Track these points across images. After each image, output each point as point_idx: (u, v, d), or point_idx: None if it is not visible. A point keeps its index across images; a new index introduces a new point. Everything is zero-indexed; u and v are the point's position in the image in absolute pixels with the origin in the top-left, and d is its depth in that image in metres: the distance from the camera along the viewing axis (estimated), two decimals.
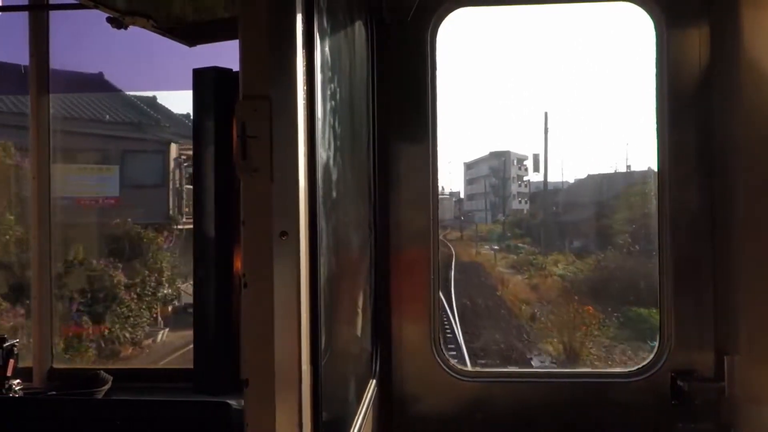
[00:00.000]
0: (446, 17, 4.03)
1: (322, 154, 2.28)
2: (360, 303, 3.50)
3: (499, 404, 3.94)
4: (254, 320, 1.99)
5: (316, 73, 2.16)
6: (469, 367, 4.16)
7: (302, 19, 2.08)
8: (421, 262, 3.97)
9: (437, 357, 3.95)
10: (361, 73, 3.62)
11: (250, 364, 1.99)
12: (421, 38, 3.97)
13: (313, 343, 2.08)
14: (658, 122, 3.94)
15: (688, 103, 3.86)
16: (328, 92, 2.51)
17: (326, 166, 2.43)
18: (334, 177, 2.63)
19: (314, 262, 2.11)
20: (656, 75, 3.93)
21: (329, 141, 2.52)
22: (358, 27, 3.49)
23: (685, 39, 3.85)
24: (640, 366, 3.96)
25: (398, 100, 3.96)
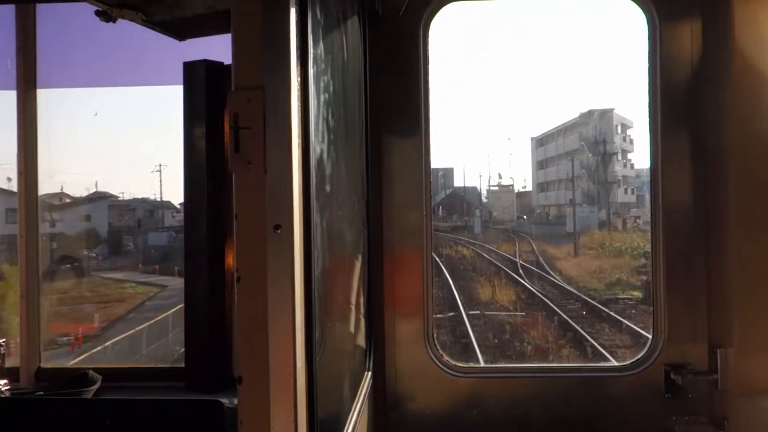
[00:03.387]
0: (439, 11, 4.01)
1: (315, 147, 2.25)
2: (354, 298, 3.46)
3: (494, 399, 3.93)
4: (248, 316, 1.95)
5: (310, 64, 2.13)
6: (463, 363, 4.13)
7: (296, 11, 2.05)
8: (415, 258, 3.95)
9: (431, 353, 3.94)
10: (355, 67, 3.58)
11: (244, 361, 1.95)
12: (413, 32, 3.94)
13: (307, 338, 2.04)
14: (650, 118, 3.93)
15: (680, 99, 3.85)
16: (322, 84, 2.47)
17: (320, 160, 2.39)
18: (328, 171, 2.59)
19: (308, 256, 2.07)
20: (649, 70, 3.93)
21: (323, 134, 2.49)
22: (352, 21, 3.45)
23: (678, 33, 3.85)
24: (633, 360, 3.96)
25: (391, 94, 3.94)
